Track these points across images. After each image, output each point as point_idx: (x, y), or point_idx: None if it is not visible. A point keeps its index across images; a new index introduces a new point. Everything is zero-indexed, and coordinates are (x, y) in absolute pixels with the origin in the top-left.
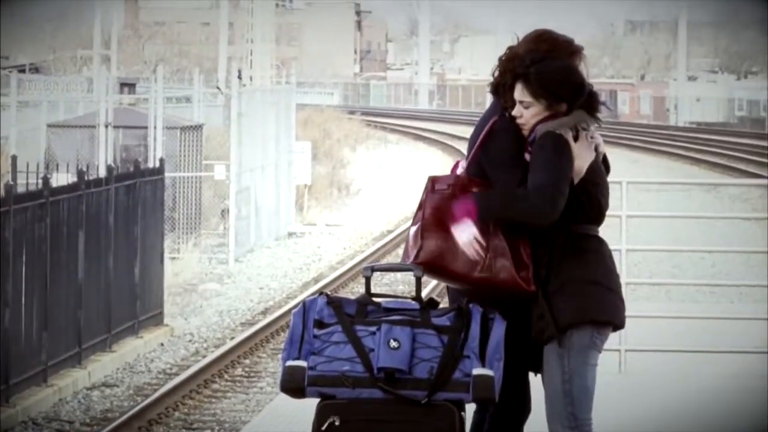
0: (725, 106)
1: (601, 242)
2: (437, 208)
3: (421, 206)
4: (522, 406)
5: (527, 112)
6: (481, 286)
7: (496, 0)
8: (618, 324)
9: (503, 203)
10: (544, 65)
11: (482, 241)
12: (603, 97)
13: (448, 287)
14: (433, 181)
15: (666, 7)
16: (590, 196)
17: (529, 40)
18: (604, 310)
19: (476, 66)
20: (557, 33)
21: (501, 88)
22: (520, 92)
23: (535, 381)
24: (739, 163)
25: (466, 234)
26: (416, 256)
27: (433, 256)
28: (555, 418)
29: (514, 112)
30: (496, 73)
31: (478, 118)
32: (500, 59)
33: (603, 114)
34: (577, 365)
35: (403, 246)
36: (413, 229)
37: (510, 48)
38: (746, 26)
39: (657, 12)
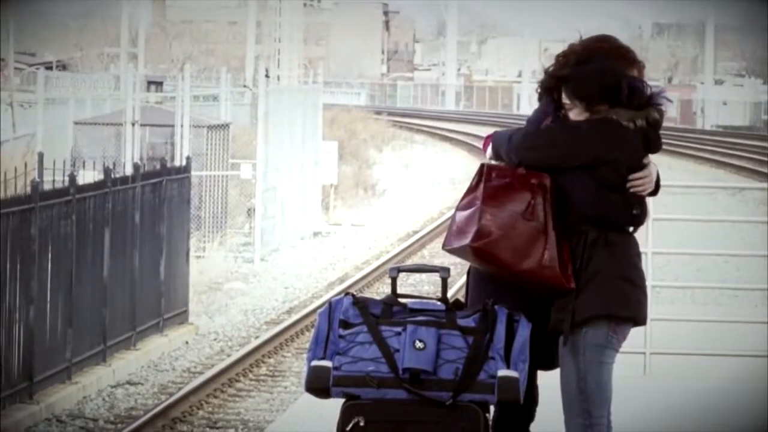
0: (752, 110)
1: (630, 237)
2: (495, 195)
3: (470, 191)
4: (528, 407)
5: (571, 113)
6: (522, 278)
7: (523, 2)
8: (639, 320)
9: (506, 135)
10: (580, 67)
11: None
12: (661, 97)
13: (468, 273)
14: (489, 168)
15: (693, 10)
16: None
17: (587, 39)
18: (627, 306)
19: (503, 67)
20: (619, 41)
21: (548, 88)
22: (563, 95)
23: (547, 378)
24: (765, 167)
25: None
26: (474, 239)
27: (487, 242)
28: (571, 413)
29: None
30: (546, 73)
31: (504, 119)
32: (556, 58)
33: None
34: (592, 363)
35: (429, 246)
36: (464, 212)
37: (570, 45)
38: None
39: (684, 15)
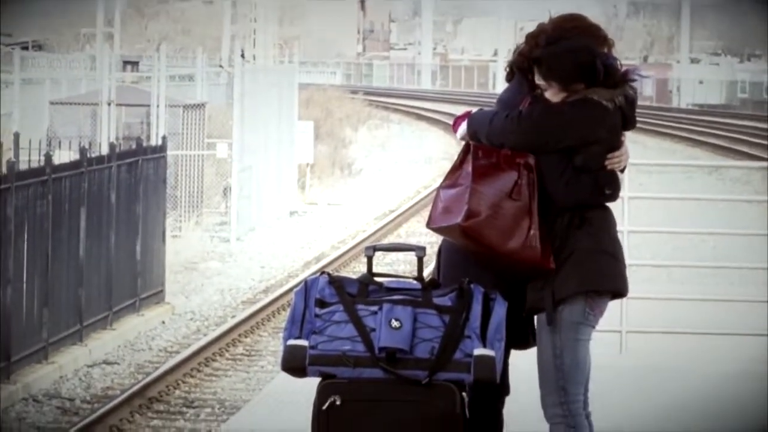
0: (728, 89)
1: (606, 210)
2: (485, 174)
3: (455, 169)
4: (501, 385)
5: (547, 93)
6: (504, 258)
7: None
8: (621, 291)
9: (485, 117)
10: (552, 47)
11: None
12: (636, 74)
13: (439, 252)
14: (476, 147)
15: None
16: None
17: (557, 18)
18: (606, 279)
19: (479, 47)
20: (589, 19)
21: (521, 69)
22: (536, 76)
23: (524, 360)
24: (741, 145)
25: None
26: (464, 218)
27: (477, 221)
28: (547, 390)
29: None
30: (516, 53)
31: (480, 98)
32: (526, 37)
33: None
34: (568, 340)
35: (405, 225)
36: (451, 191)
37: (539, 25)
38: (749, 8)
39: None
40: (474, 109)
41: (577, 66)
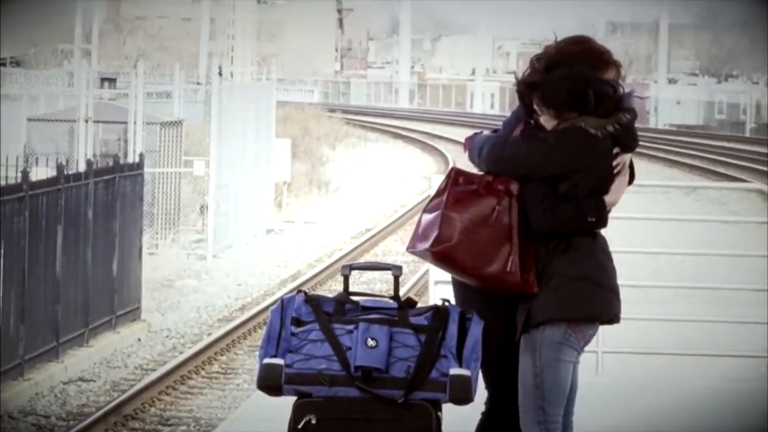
0: (705, 109)
1: (594, 237)
2: (460, 201)
3: (438, 194)
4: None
5: (542, 119)
6: (487, 282)
7: (477, 0)
8: (604, 318)
9: (480, 142)
10: (548, 75)
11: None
12: (632, 97)
13: (454, 284)
14: (457, 173)
15: (647, 8)
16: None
17: (562, 41)
18: (585, 307)
19: (457, 65)
20: (595, 43)
21: (519, 94)
22: (534, 101)
23: None
24: (719, 166)
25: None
26: (433, 244)
27: (447, 246)
28: (526, 409)
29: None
30: (521, 78)
31: (457, 117)
32: (530, 61)
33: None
34: (548, 360)
35: (382, 244)
36: (429, 216)
37: (546, 47)
38: (727, 29)
39: (638, 13)
40: (485, 131)
41: (569, 95)
